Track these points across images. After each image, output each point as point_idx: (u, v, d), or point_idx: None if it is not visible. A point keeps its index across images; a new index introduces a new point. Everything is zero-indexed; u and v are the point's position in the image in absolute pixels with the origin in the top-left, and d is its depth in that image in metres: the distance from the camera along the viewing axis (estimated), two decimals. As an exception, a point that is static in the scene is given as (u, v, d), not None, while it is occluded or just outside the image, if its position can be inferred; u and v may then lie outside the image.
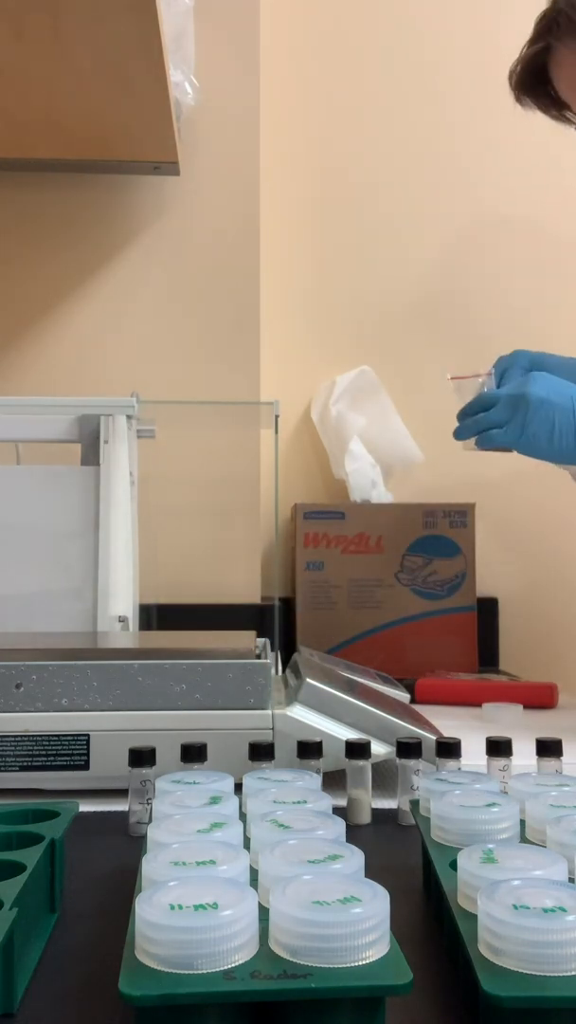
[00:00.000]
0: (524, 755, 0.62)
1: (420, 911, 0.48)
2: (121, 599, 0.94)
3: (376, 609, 1.25)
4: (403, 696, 0.95)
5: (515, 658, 1.36)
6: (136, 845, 0.54)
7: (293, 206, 1.40)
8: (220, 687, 0.68)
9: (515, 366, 0.97)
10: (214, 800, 0.48)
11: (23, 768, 0.67)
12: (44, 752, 0.67)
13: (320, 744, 0.62)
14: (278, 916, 0.33)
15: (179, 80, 1.14)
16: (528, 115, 1.14)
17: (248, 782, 0.53)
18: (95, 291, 1.29)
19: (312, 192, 1.41)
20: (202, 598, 1.25)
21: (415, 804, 0.52)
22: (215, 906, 0.33)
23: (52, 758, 0.67)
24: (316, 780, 0.54)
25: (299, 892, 0.34)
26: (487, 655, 1.31)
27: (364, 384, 1.36)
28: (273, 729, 0.68)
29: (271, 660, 0.77)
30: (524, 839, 0.47)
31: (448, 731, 0.70)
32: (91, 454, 1.01)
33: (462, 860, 0.39)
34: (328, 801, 0.49)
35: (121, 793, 0.61)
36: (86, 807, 0.60)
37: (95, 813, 0.63)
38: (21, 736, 0.67)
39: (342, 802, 0.62)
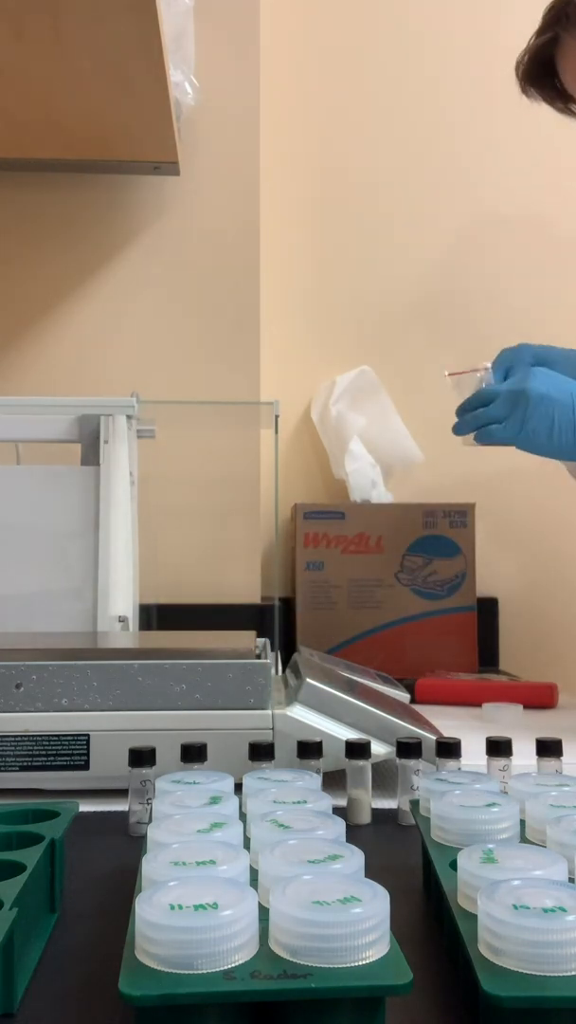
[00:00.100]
0: (524, 755, 0.62)
1: (420, 911, 0.48)
2: (121, 599, 0.94)
3: (376, 609, 1.25)
4: (403, 696, 0.95)
5: (515, 658, 1.36)
6: (136, 845, 0.54)
7: (293, 206, 1.40)
8: (220, 687, 0.68)
9: (519, 360, 0.97)
10: (214, 800, 0.48)
11: (23, 768, 0.67)
12: (44, 752, 0.67)
13: (320, 744, 0.62)
14: (278, 916, 0.33)
15: (179, 80, 1.14)
16: (527, 115, 1.14)
17: (248, 782, 0.53)
18: (95, 291, 1.29)
19: (312, 192, 1.41)
20: (202, 598, 1.25)
21: (415, 804, 0.52)
22: (215, 906, 0.33)
23: (52, 758, 0.67)
24: (316, 780, 0.54)
25: (299, 892, 0.34)
26: (487, 655, 1.31)
27: (364, 384, 1.36)
28: (273, 729, 0.68)
29: (271, 660, 0.77)
30: (524, 839, 0.47)
31: (448, 731, 0.70)
32: (91, 454, 1.01)
33: (462, 860, 0.39)
34: (328, 801, 0.49)
35: (121, 793, 0.61)
36: (86, 807, 0.60)
37: (95, 813, 0.63)
38: (21, 736, 0.67)
39: (342, 802, 0.62)
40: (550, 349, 1.00)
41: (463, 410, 0.95)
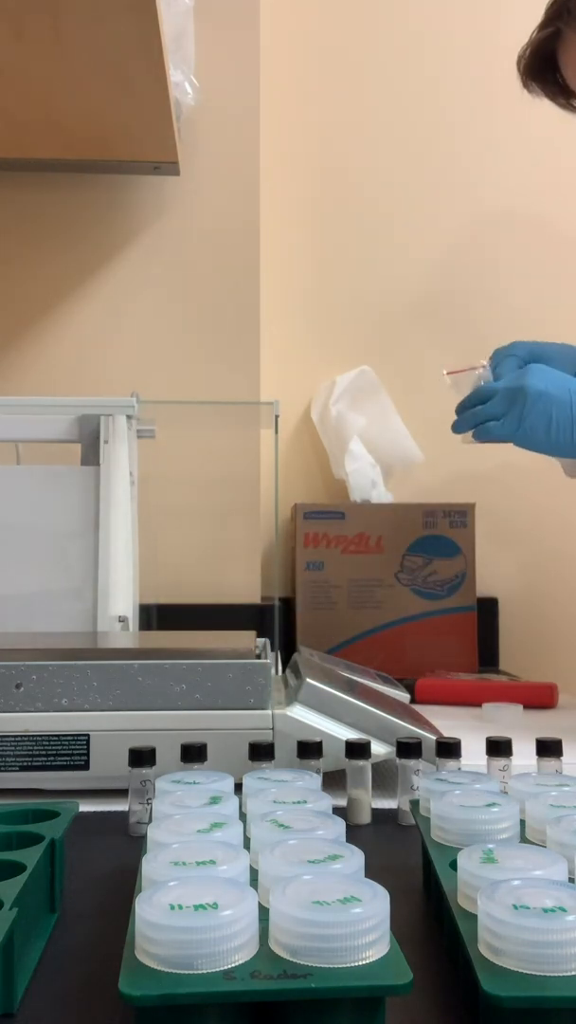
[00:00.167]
0: (524, 755, 0.62)
1: (420, 911, 0.48)
2: (121, 599, 0.94)
3: (376, 609, 1.25)
4: (403, 696, 0.95)
5: (515, 658, 1.36)
6: (136, 845, 0.54)
7: (293, 206, 1.40)
8: (220, 687, 0.68)
9: (515, 357, 0.97)
10: (214, 800, 0.48)
11: (23, 768, 0.67)
12: (44, 752, 0.67)
13: (320, 744, 0.62)
14: (278, 916, 0.33)
15: (179, 80, 1.14)
16: (527, 115, 1.14)
17: (248, 782, 0.53)
18: (95, 291, 1.29)
19: (312, 192, 1.41)
20: (202, 598, 1.25)
21: (415, 804, 0.52)
22: (215, 906, 0.33)
23: (52, 758, 0.67)
24: (316, 780, 0.54)
25: (299, 892, 0.34)
26: (487, 655, 1.31)
27: (364, 384, 1.36)
28: (273, 729, 0.68)
29: (271, 660, 0.77)
30: (524, 839, 0.47)
31: (448, 731, 0.70)
32: (91, 454, 1.01)
33: (462, 860, 0.39)
34: (328, 801, 0.49)
35: (121, 793, 0.61)
36: (86, 807, 0.60)
37: (95, 813, 0.63)
38: (21, 736, 0.67)
39: (342, 802, 0.62)
40: (544, 345, 1.00)
41: (462, 408, 0.95)
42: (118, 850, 0.56)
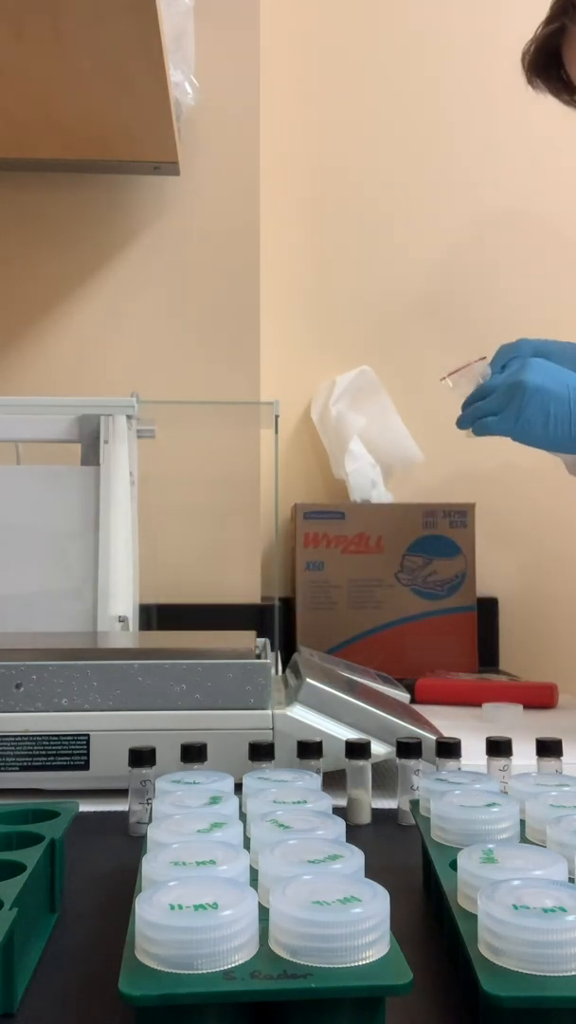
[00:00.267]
0: (524, 755, 0.62)
1: (420, 911, 0.48)
2: (121, 599, 0.94)
3: (376, 609, 1.25)
4: (403, 696, 0.95)
5: (515, 658, 1.36)
6: (136, 845, 0.54)
7: (293, 206, 1.40)
8: (220, 687, 0.68)
9: (519, 354, 0.97)
10: (214, 800, 0.48)
11: (23, 768, 0.67)
12: (44, 752, 0.67)
13: (320, 744, 0.62)
14: (278, 916, 0.33)
15: (179, 80, 1.14)
16: (527, 115, 1.15)
17: (248, 782, 0.53)
18: (95, 291, 1.29)
19: (312, 192, 1.41)
20: (202, 598, 1.25)
21: (415, 804, 0.52)
22: (215, 906, 0.33)
23: (52, 758, 0.67)
24: (316, 780, 0.54)
25: (299, 892, 0.34)
26: (487, 655, 1.31)
27: (364, 384, 1.36)
28: (273, 729, 0.68)
29: (271, 660, 0.77)
30: (524, 839, 0.47)
31: (448, 731, 0.70)
32: (91, 454, 1.01)
33: (462, 860, 0.39)
34: (328, 801, 0.49)
35: (121, 793, 0.61)
36: (86, 807, 0.60)
37: (95, 813, 0.63)
38: (21, 736, 0.67)
39: (342, 802, 0.62)
40: (548, 343, 0.99)
41: (466, 404, 0.95)
42: (118, 850, 0.56)
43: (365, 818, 0.63)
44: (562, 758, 0.61)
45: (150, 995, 0.31)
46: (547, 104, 1.04)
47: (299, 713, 0.69)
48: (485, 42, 1.40)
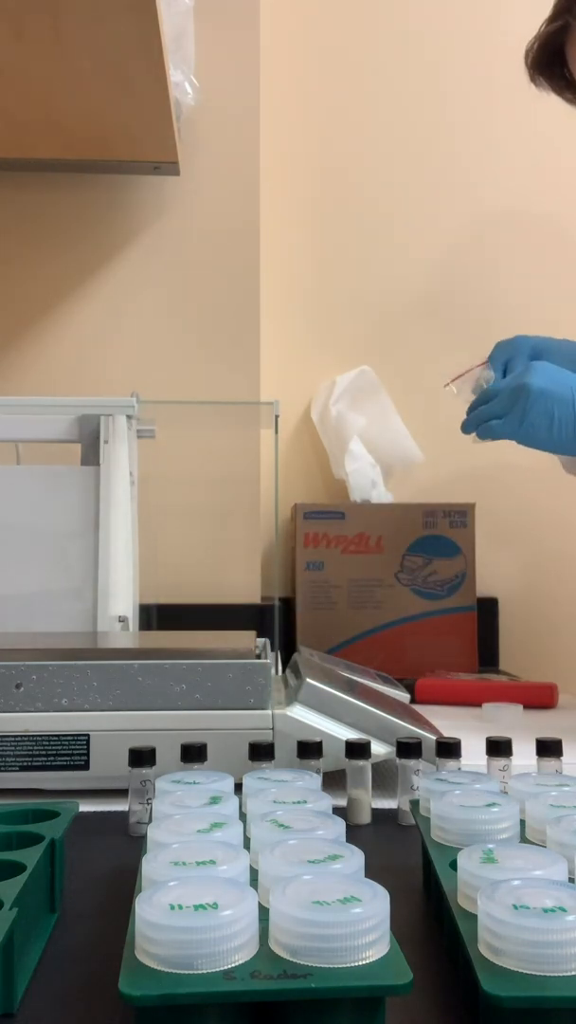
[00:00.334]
0: (524, 755, 0.62)
1: (420, 911, 0.48)
2: (121, 599, 0.94)
3: (376, 609, 1.25)
4: (403, 696, 0.95)
5: (515, 658, 1.36)
6: (136, 845, 0.54)
7: (293, 206, 1.40)
8: (220, 687, 0.68)
9: (518, 353, 0.96)
10: (214, 800, 0.48)
11: (23, 768, 0.67)
12: (44, 752, 0.67)
13: (320, 744, 0.62)
14: (278, 916, 0.33)
15: (179, 80, 1.14)
16: (528, 115, 1.15)
17: (248, 782, 0.53)
18: (95, 291, 1.29)
19: (312, 192, 1.41)
20: (202, 598, 1.25)
21: (415, 804, 0.52)
22: (215, 906, 0.33)
23: (52, 758, 0.67)
24: (316, 780, 0.54)
25: (299, 892, 0.34)
26: (487, 655, 1.31)
27: (364, 384, 1.36)
28: (273, 729, 0.68)
29: (271, 660, 0.77)
30: (524, 839, 0.47)
31: (448, 731, 0.70)
32: (91, 454, 1.01)
33: (462, 860, 0.39)
34: (328, 801, 0.49)
35: (121, 793, 0.61)
36: (86, 807, 0.60)
37: (95, 813, 0.63)
38: (21, 736, 0.67)
39: (342, 802, 0.62)
40: (547, 340, 0.99)
41: (470, 409, 0.95)
42: (118, 850, 0.56)
43: (365, 818, 0.63)
44: (562, 758, 0.61)
45: (150, 995, 0.31)
46: (547, 104, 1.04)
47: (299, 713, 0.69)
48: (485, 42, 1.40)
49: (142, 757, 0.59)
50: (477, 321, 1.40)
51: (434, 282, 1.42)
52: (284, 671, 0.87)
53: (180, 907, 0.33)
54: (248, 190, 1.30)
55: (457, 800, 0.48)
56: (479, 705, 0.97)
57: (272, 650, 0.96)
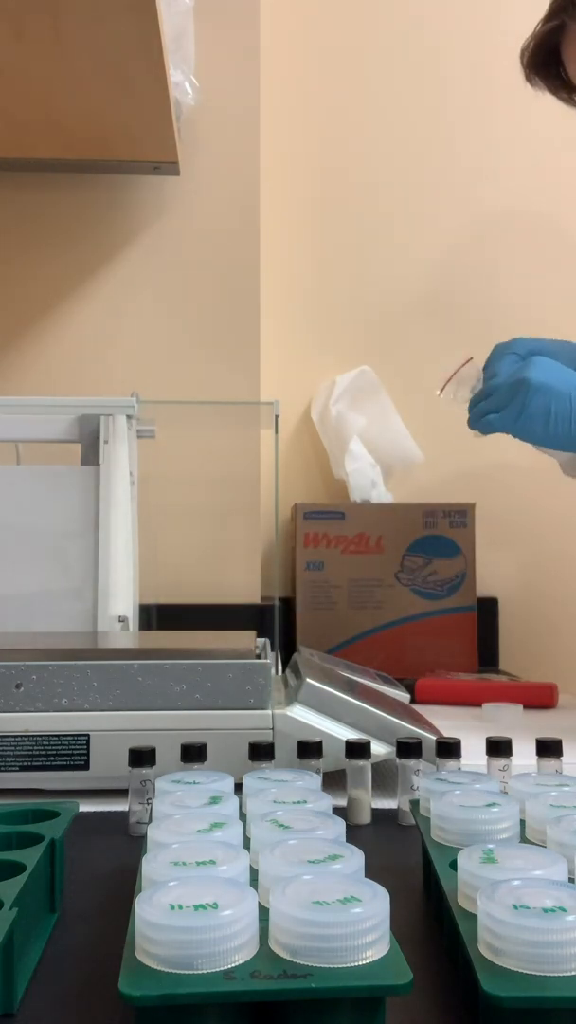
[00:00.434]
0: (524, 755, 0.62)
1: (420, 911, 0.48)
2: (121, 599, 0.94)
3: (376, 609, 1.25)
4: (403, 696, 0.95)
5: (515, 658, 1.36)
6: (136, 845, 0.54)
7: (293, 206, 1.40)
8: (220, 687, 0.68)
9: (513, 355, 0.96)
10: (214, 800, 0.48)
11: (23, 768, 0.67)
12: (44, 752, 0.67)
13: (320, 744, 0.62)
14: (278, 916, 0.33)
15: (179, 80, 1.14)
16: (528, 114, 1.15)
17: (248, 782, 0.53)
18: (95, 291, 1.29)
19: (312, 192, 1.41)
20: (202, 598, 1.25)
21: (415, 804, 0.52)
22: (215, 906, 0.33)
23: (52, 758, 0.67)
24: (316, 780, 0.54)
25: (299, 892, 0.34)
26: (487, 655, 1.31)
27: (364, 384, 1.36)
28: (273, 729, 0.68)
29: (271, 660, 0.77)
30: (524, 839, 0.47)
31: (448, 731, 0.70)
32: (91, 454, 1.01)
33: (462, 860, 0.39)
34: (328, 801, 0.49)
35: (121, 793, 0.61)
36: (86, 807, 0.60)
37: (95, 813, 0.63)
38: (21, 736, 0.67)
39: (342, 802, 0.62)
40: (545, 342, 0.99)
41: (472, 405, 0.95)
42: (118, 850, 0.56)
43: (365, 818, 0.63)
44: (562, 758, 0.61)
45: (150, 995, 0.31)
46: (547, 104, 1.04)
47: (299, 713, 0.69)
48: (485, 41, 1.40)
49: (142, 757, 0.59)
50: (477, 321, 1.40)
51: (434, 282, 1.42)
52: (284, 671, 0.87)
53: (180, 907, 0.33)
54: (248, 190, 1.30)
55: (457, 800, 0.48)
56: (479, 705, 0.97)
57: (272, 650, 0.96)
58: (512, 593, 1.38)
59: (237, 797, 0.50)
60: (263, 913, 0.34)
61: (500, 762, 0.62)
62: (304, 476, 1.39)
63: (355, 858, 0.39)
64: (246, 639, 0.78)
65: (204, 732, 0.64)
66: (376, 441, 1.33)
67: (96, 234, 1.29)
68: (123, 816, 0.60)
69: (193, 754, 0.59)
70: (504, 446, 0.95)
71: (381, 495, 1.30)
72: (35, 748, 0.67)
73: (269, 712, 0.68)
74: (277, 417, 1.11)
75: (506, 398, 0.90)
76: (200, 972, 0.31)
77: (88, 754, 0.67)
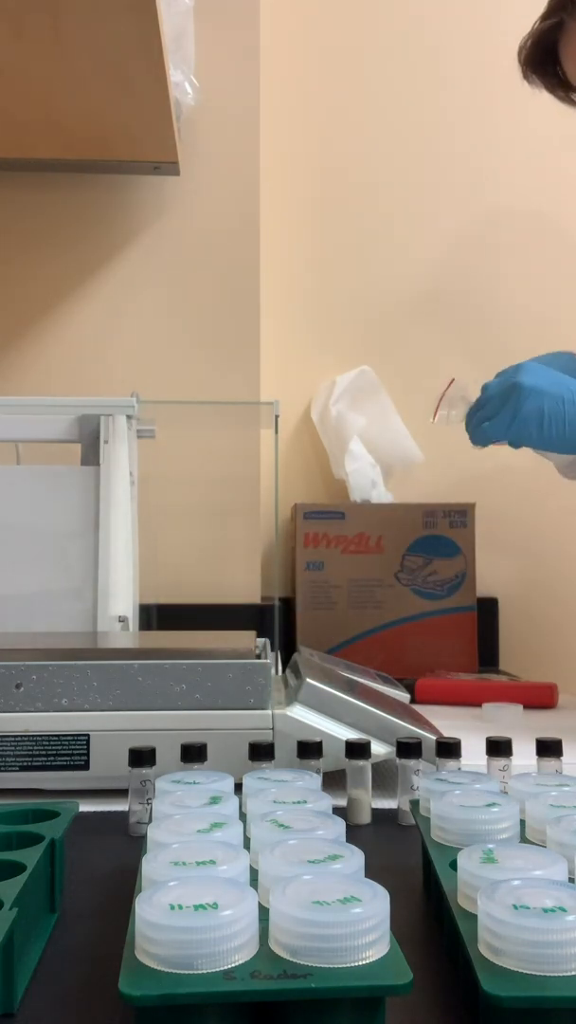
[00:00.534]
0: (524, 755, 0.62)
1: (420, 911, 0.48)
2: (121, 599, 0.94)
3: (376, 609, 1.25)
4: (403, 696, 0.95)
5: (515, 658, 1.36)
6: (136, 845, 0.54)
7: (293, 206, 1.40)
8: (220, 687, 0.68)
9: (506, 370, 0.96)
10: (214, 800, 0.48)
11: (23, 768, 0.67)
12: (44, 752, 0.67)
13: (320, 744, 0.62)
14: (278, 916, 0.33)
15: (179, 80, 1.14)
16: (528, 114, 1.14)
17: (248, 782, 0.53)
18: (95, 291, 1.29)
19: (312, 192, 1.41)
20: (202, 598, 1.25)
21: (415, 804, 0.52)
22: (215, 906, 0.33)
23: (52, 758, 0.67)
24: (316, 780, 0.54)
25: (299, 892, 0.34)
26: (487, 655, 1.31)
27: (364, 384, 1.36)
28: (273, 729, 0.68)
29: (271, 660, 0.77)
30: (524, 839, 0.47)
31: (448, 731, 0.70)
32: (91, 454, 1.01)
33: (462, 860, 0.39)
34: (328, 801, 0.49)
35: (121, 793, 0.61)
36: (86, 807, 0.60)
37: (95, 813, 0.63)
38: (21, 736, 0.67)
39: (342, 802, 0.62)
40: (547, 357, 0.99)
41: (467, 420, 0.95)
42: (118, 850, 0.56)
43: (365, 818, 0.63)
44: (562, 758, 0.61)
45: (150, 995, 0.31)
46: (547, 103, 1.04)
47: (299, 713, 0.69)
48: (485, 41, 1.40)
49: (142, 757, 0.59)
50: (477, 321, 1.40)
51: (434, 282, 1.42)
52: (284, 671, 0.87)
53: (180, 907, 0.33)
54: (248, 190, 1.30)
55: (457, 800, 0.48)
56: (479, 705, 0.97)
57: (272, 650, 0.96)
58: (512, 593, 1.38)
59: (237, 797, 0.50)
60: (263, 913, 0.34)
61: (500, 762, 0.62)
62: (304, 476, 1.39)
63: (355, 858, 0.39)
64: (246, 639, 0.78)
65: (204, 732, 0.64)
66: (376, 441, 1.33)
67: (96, 234, 1.29)
68: (123, 816, 0.60)
69: (193, 754, 0.59)
70: (504, 446, 0.94)
71: (381, 495, 1.30)
72: (35, 748, 0.67)
73: (269, 712, 0.68)
74: (277, 417, 1.11)
75: (499, 405, 0.90)
76: (200, 972, 0.31)
77: (88, 754, 0.67)
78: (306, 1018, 0.32)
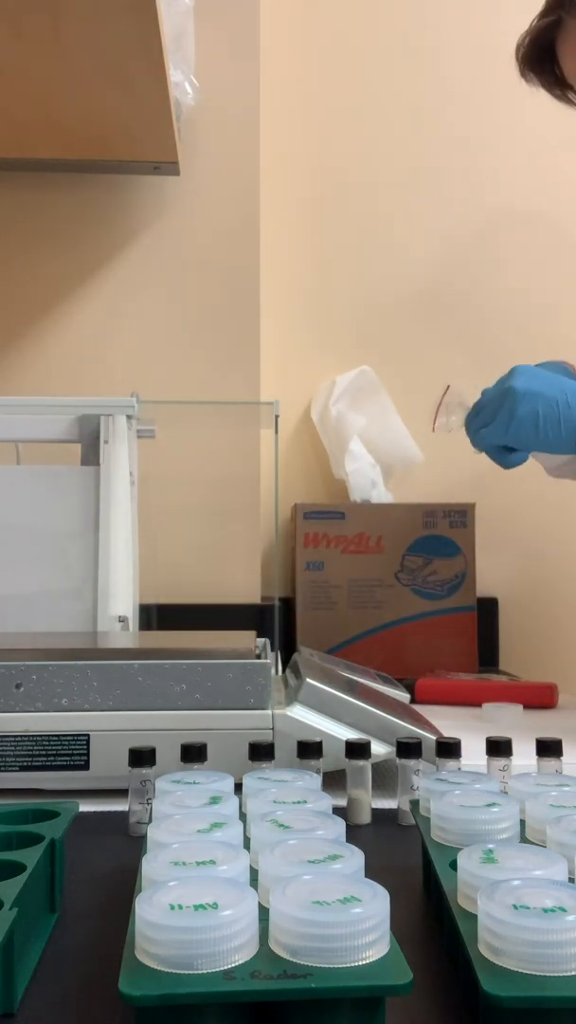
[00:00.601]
0: (524, 755, 0.62)
1: (420, 911, 0.48)
2: (121, 599, 0.94)
3: (376, 609, 1.25)
4: (403, 696, 0.95)
5: (515, 658, 1.36)
6: (136, 845, 0.54)
7: (293, 206, 1.40)
8: (220, 687, 0.68)
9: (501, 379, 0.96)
10: (214, 800, 0.48)
11: (23, 768, 0.67)
12: (44, 752, 0.67)
13: (320, 744, 0.62)
14: (278, 916, 0.33)
15: (179, 80, 1.14)
16: (527, 113, 1.14)
17: (248, 782, 0.53)
18: (95, 291, 1.29)
19: (312, 192, 1.41)
20: (202, 598, 1.25)
21: (415, 804, 0.52)
22: (215, 906, 0.33)
23: (52, 758, 0.67)
24: (316, 780, 0.54)
25: (299, 892, 0.34)
26: (487, 655, 1.31)
27: (364, 384, 1.36)
28: (273, 729, 0.68)
29: (271, 660, 0.77)
30: (524, 839, 0.47)
31: (448, 731, 0.70)
32: (91, 454, 1.01)
33: (462, 860, 0.39)
34: (328, 801, 0.49)
35: (121, 793, 0.61)
36: (86, 807, 0.60)
37: (95, 813, 0.63)
38: (21, 736, 0.67)
39: (342, 802, 0.62)
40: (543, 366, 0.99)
41: (467, 425, 0.95)
42: (118, 850, 0.56)
43: (365, 818, 0.63)
44: (562, 758, 0.61)
45: (150, 995, 0.30)
46: (546, 103, 1.04)
47: (299, 713, 0.68)
48: (485, 40, 1.40)
49: (142, 757, 0.59)
50: (477, 321, 1.40)
51: (434, 282, 1.42)
52: (284, 671, 0.87)
53: (180, 907, 0.33)
54: (248, 190, 1.30)
55: (457, 800, 0.48)
56: (479, 705, 0.97)
57: (272, 650, 0.96)
58: (512, 593, 1.38)
59: (237, 797, 0.50)
60: (263, 913, 0.34)
61: (500, 762, 0.62)
62: (304, 476, 1.39)
63: (355, 858, 0.39)
64: (246, 639, 0.78)
65: (204, 732, 0.64)
66: (376, 441, 1.33)
67: (96, 234, 1.29)
68: (123, 816, 0.60)
69: (193, 754, 0.59)
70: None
71: (381, 495, 1.30)
72: (35, 748, 0.67)
73: (269, 712, 0.68)
74: (277, 417, 1.11)
75: (494, 410, 0.90)
76: (200, 972, 0.31)
77: (88, 754, 0.67)
78: (306, 1018, 0.32)
